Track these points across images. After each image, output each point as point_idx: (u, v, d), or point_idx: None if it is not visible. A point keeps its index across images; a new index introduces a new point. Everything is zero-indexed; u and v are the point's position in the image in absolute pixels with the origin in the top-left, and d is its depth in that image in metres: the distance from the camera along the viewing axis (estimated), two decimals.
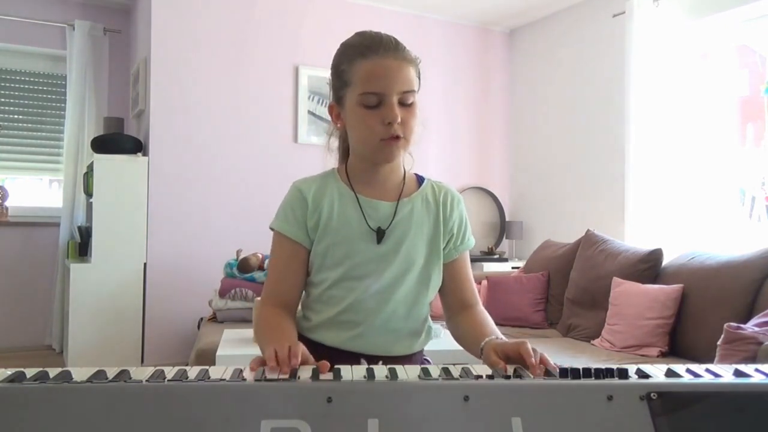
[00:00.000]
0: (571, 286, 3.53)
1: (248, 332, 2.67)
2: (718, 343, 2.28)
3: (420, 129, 1.20)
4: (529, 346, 0.96)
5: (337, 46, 1.23)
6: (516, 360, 0.97)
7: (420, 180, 1.30)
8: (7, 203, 4.46)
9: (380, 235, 1.21)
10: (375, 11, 4.67)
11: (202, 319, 3.73)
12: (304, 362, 0.94)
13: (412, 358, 1.27)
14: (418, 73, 1.20)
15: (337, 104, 1.23)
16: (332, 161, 1.32)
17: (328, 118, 1.27)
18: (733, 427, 0.77)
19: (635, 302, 2.95)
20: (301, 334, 1.23)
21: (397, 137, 1.15)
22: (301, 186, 1.25)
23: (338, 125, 1.26)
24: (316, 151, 4.39)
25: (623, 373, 0.82)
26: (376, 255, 1.21)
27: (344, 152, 1.31)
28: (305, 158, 4.26)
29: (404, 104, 1.16)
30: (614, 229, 3.93)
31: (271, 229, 1.25)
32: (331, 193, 1.23)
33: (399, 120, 1.14)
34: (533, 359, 0.94)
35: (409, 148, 1.21)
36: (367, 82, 1.15)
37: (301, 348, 0.95)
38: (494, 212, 5.23)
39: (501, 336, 1.12)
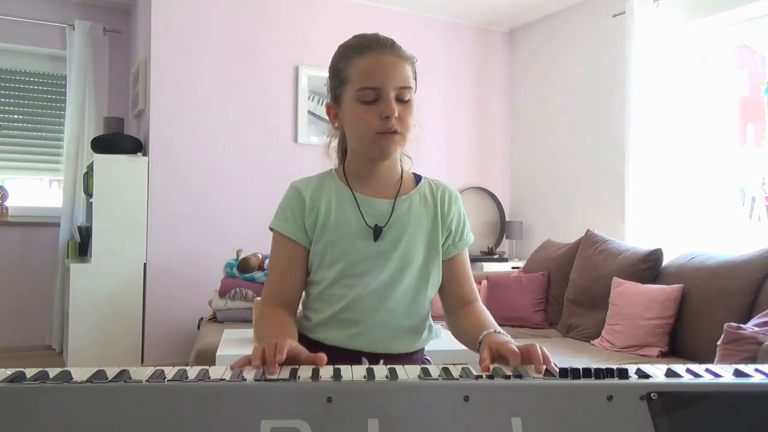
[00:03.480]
0: (571, 286, 3.53)
1: (248, 332, 2.67)
2: (718, 343, 2.28)
3: (417, 130, 1.21)
4: (539, 348, 0.93)
5: (337, 47, 1.24)
6: (506, 362, 0.96)
7: (417, 179, 1.32)
8: (7, 203, 4.46)
9: (377, 232, 1.22)
10: (375, 11, 4.67)
11: (202, 319, 3.73)
12: (294, 356, 0.93)
13: (413, 356, 1.27)
14: (414, 72, 1.22)
15: (335, 103, 1.25)
16: (331, 164, 1.34)
17: (328, 118, 1.29)
18: (733, 427, 0.77)
19: (635, 302, 2.95)
20: (302, 334, 1.23)
21: (394, 132, 1.17)
22: (298, 185, 1.27)
23: (336, 125, 1.27)
24: (316, 151, 4.36)
25: (623, 373, 0.82)
26: (374, 252, 1.22)
27: (343, 153, 1.32)
28: (305, 158, 4.26)
29: (401, 100, 1.18)
30: (614, 229, 3.93)
31: (271, 229, 1.26)
32: (328, 192, 1.25)
33: (396, 114, 1.16)
34: (541, 367, 0.91)
35: (405, 145, 1.22)
36: (365, 77, 1.17)
37: (289, 343, 0.94)
38: (494, 212, 5.23)
39: (500, 330, 1.11)
